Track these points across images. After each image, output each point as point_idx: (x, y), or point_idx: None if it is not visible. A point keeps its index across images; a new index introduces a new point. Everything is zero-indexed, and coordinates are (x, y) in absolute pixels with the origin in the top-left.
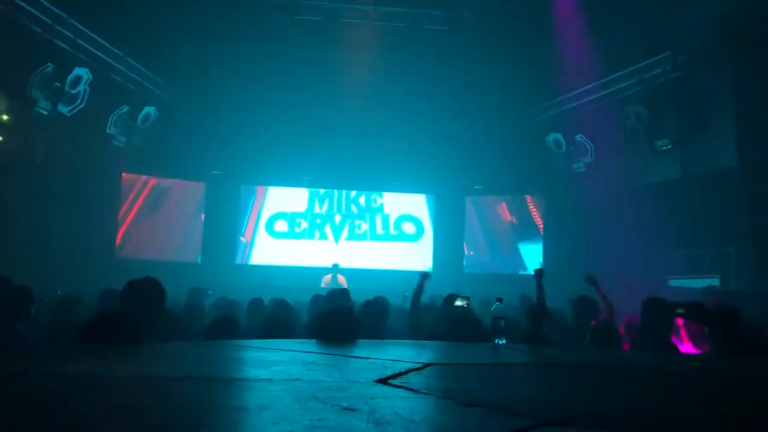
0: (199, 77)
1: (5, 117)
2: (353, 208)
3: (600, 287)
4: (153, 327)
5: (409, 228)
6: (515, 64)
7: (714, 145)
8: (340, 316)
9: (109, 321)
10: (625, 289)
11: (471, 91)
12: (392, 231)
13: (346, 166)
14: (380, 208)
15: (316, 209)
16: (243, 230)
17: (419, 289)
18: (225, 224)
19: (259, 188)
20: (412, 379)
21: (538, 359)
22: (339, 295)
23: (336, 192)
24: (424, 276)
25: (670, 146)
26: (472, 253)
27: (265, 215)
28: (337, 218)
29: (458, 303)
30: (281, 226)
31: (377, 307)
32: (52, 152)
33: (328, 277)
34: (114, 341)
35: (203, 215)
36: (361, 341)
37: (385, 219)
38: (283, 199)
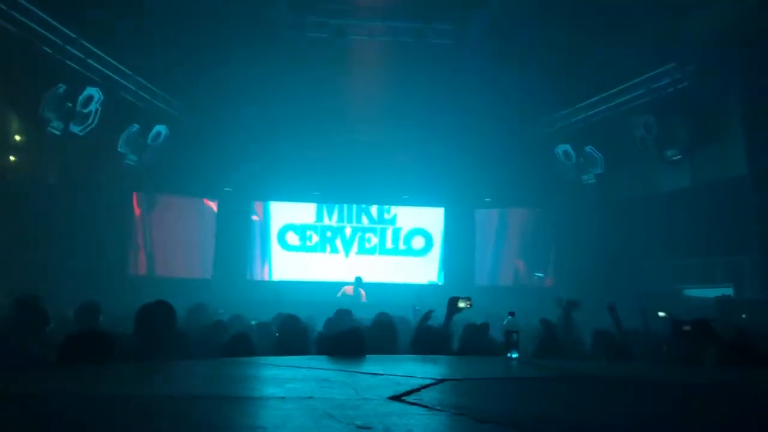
0: (208, 95)
1: (18, 137)
2: (364, 219)
3: (617, 317)
4: (165, 349)
5: (417, 243)
6: (523, 76)
7: (723, 154)
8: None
9: (86, 341)
10: (637, 300)
11: (479, 104)
12: (401, 246)
13: (356, 181)
14: (392, 220)
15: (326, 221)
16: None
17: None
18: (236, 241)
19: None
20: (426, 396)
21: (550, 373)
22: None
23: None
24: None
25: (679, 156)
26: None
27: (275, 227)
28: (348, 231)
29: (461, 305)
30: (292, 239)
31: (384, 328)
32: (65, 171)
33: (349, 288)
34: (91, 361)
35: (214, 232)
36: (374, 357)
37: (396, 233)
38: (291, 210)
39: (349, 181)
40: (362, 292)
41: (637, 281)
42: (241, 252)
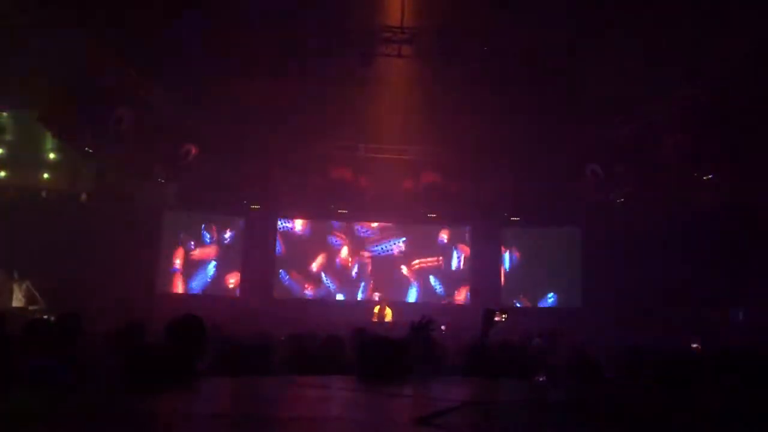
0: (238, 114)
1: (53, 155)
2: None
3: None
4: (196, 364)
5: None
6: (550, 93)
7: (758, 171)
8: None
9: (154, 355)
10: (674, 323)
11: (506, 121)
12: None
13: (381, 197)
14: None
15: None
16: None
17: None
18: (264, 258)
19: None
20: (453, 419)
21: (580, 397)
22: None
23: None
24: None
25: (710, 175)
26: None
27: None
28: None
29: (497, 318)
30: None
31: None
32: (97, 189)
33: (376, 307)
34: (159, 376)
35: (243, 249)
36: (402, 377)
37: None
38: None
39: (375, 197)
40: (388, 311)
41: (672, 303)
42: (268, 269)
